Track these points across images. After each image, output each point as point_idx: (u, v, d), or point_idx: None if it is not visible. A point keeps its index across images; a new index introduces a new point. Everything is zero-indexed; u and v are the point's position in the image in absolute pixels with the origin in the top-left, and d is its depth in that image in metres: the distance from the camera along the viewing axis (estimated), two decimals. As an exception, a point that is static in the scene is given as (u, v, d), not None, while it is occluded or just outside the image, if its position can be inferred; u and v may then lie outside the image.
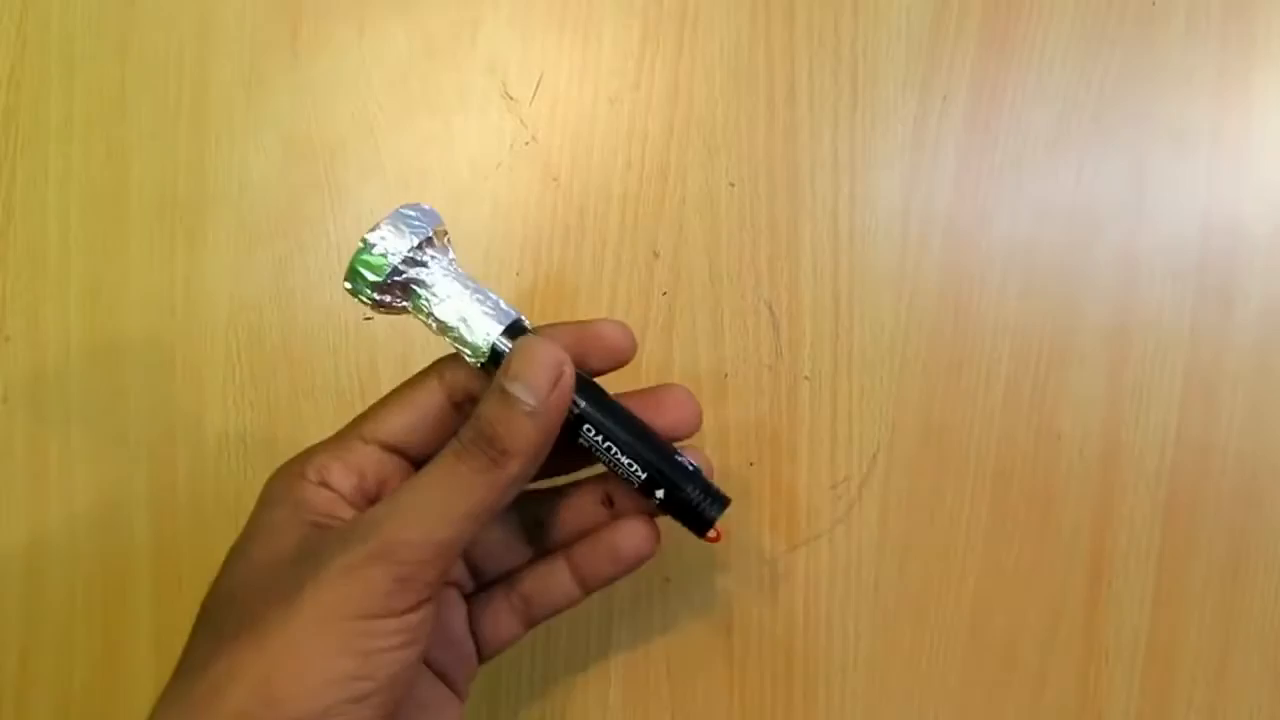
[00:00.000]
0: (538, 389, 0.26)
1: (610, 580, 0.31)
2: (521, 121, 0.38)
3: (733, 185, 0.38)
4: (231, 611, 0.26)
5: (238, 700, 0.24)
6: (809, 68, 0.37)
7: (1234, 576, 0.36)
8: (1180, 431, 0.36)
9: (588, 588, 0.31)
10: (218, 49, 0.39)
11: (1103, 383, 0.36)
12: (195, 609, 0.39)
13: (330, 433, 0.29)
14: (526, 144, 0.38)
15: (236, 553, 0.27)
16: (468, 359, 0.28)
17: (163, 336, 0.39)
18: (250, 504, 0.38)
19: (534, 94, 0.38)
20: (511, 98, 0.39)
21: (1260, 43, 0.36)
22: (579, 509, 0.31)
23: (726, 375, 0.38)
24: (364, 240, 0.27)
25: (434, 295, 0.28)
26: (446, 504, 0.26)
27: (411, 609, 0.25)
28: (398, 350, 0.39)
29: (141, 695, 0.39)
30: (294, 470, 0.28)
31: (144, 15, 0.39)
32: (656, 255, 0.38)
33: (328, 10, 0.39)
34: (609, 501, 0.31)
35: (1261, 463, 0.36)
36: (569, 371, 0.27)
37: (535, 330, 0.29)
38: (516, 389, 0.26)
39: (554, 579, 0.31)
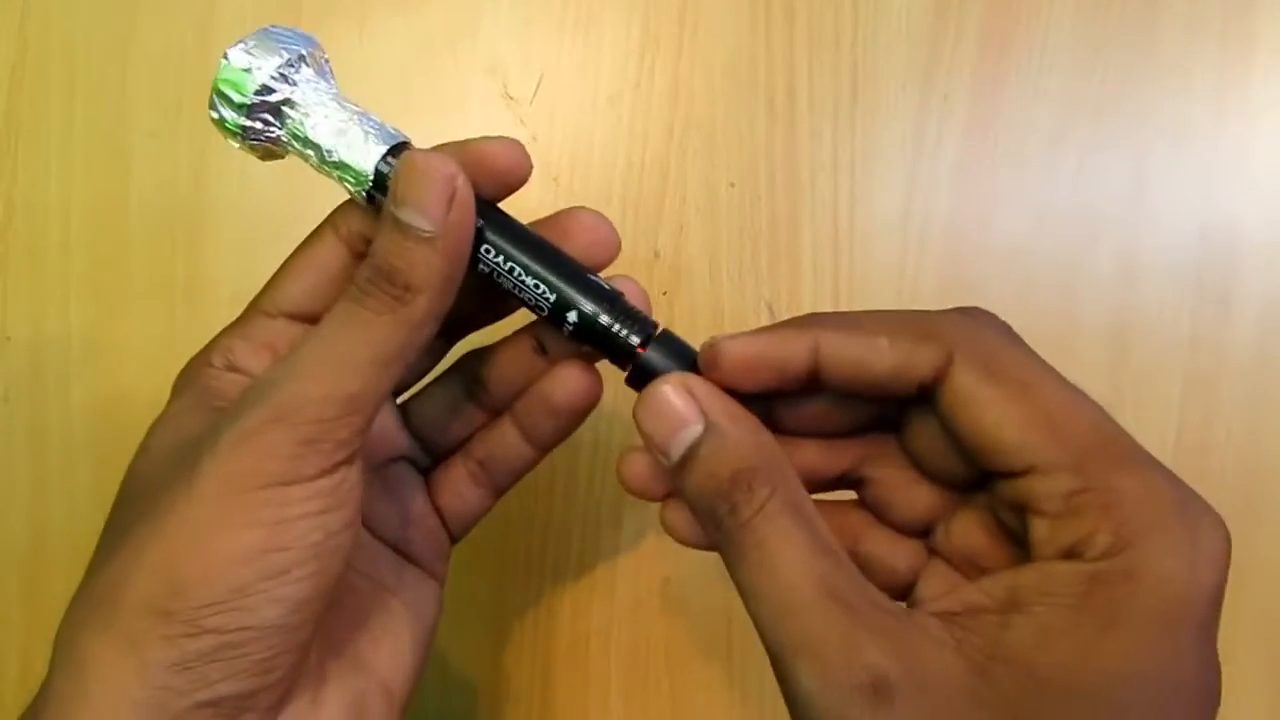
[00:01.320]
0: (431, 210, 0.23)
1: (558, 436, 0.28)
2: (521, 121, 0.38)
3: (733, 185, 0.38)
4: (133, 506, 0.23)
5: (141, 592, 0.21)
6: (809, 68, 0.37)
7: (1234, 576, 0.36)
8: (1180, 431, 0.36)
9: (539, 446, 0.28)
10: (218, 49, 0.39)
11: (1103, 383, 0.36)
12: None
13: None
14: (526, 144, 0.38)
15: (139, 450, 0.25)
16: (352, 191, 0.25)
17: (163, 336, 0.39)
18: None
19: (534, 94, 0.38)
20: (511, 98, 0.39)
21: (1260, 43, 0.36)
22: (512, 361, 0.28)
23: (726, 375, 0.38)
24: (225, 55, 0.24)
25: (307, 117, 0.25)
26: (349, 352, 0.23)
27: (325, 473, 0.22)
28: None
29: (141, 695, 0.39)
30: (200, 360, 0.26)
31: (144, 15, 0.39)
32: (656, 255, 0.38)
33: (328, 10, 0.39)
34: (541, 349, 0.28)
35: (1261, 463, 0.36)
36: (464, 185, 0.23)
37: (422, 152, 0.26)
38: (408, 215, 0.23)
39: (504, 440, 0.28)
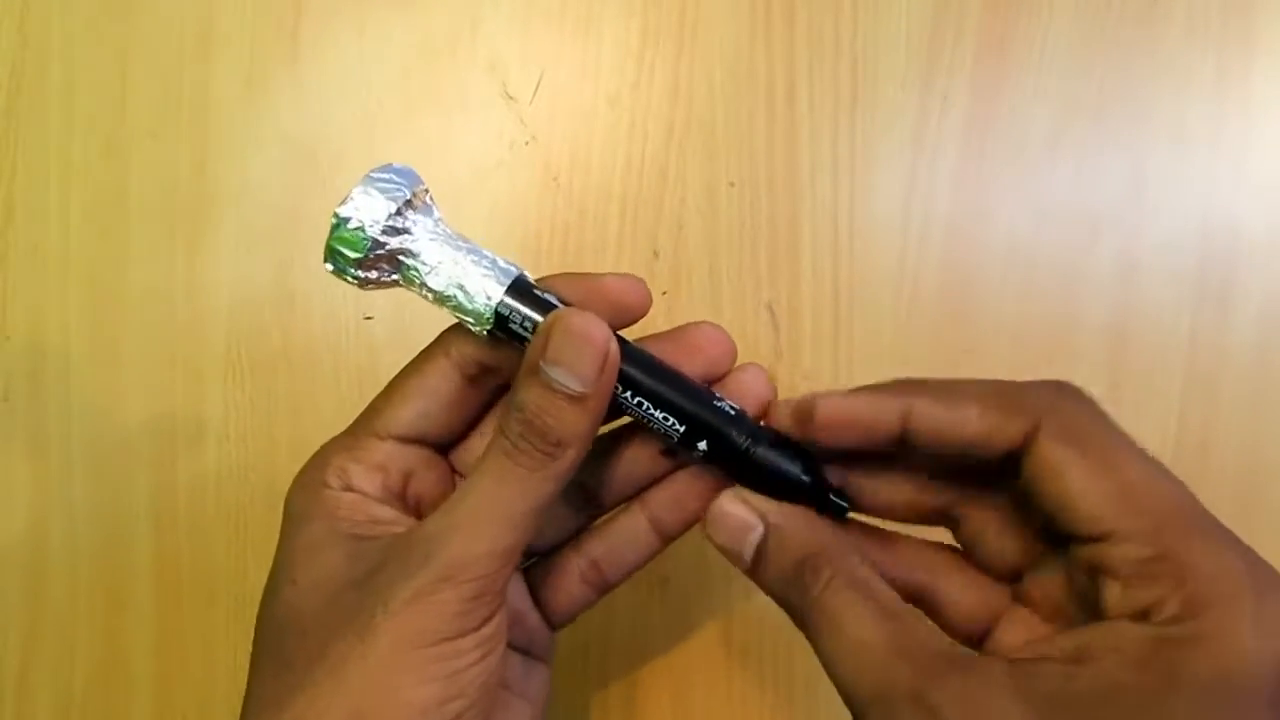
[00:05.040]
0: (587, 374, 0.24)
1: (696, 519, 0.29)
2: (521, 121, 0.38)
3: (733, 185, 0.38)
4: (292, 640, 0.25)
5: None
6: (809, 68, 0.37)
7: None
8: (1180, 431, 0.36)
9: (670, 536, 0.29)
10: (218, 49, 0.39)
11: (1103, 383, 0.36)
12: (196, 607, 0.39)
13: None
14: (526, 144, 0.38)
15: (281, 577, 0.26)
16: (472, 329, 0.26)
17: (163, 336, 0.39)
18: (250, 504, 0.39)
19: (534, 94, 0.38)
20: (511, 98, 0.39)
21: (1260, 43, 0.36)
22: (633, 462, 0.29)
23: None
24: (335, 215, 0.25)
25: (423, 264, 0.25)
26: (507, 508, 0.24)
27: (486, 621, 0.24)
28: (398, 350, 0.39)
29: (141, 696, 0.39)
30: (315, 480, 0.27)
31: (144, 15, 0.39)
32: (656, 255, 0.38)
33: (328, 10, 0.39)
34: (671, 452, 0.29)
35: (1261, 462, 0.36)
36: (615, 350, 0.24)
37: (539, 284, 0.26)
38: (562, 375, 0.24)
39: (631, 533, 0.29)
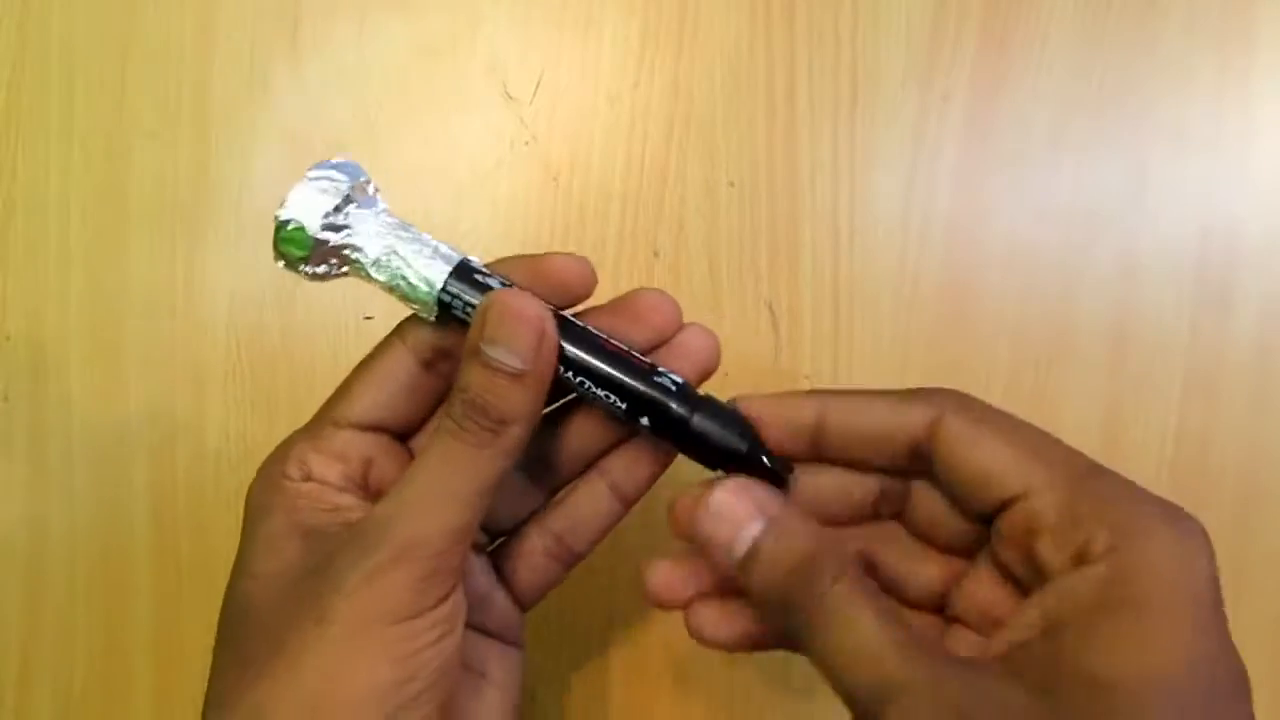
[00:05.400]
0: (524, 350, 0.24)
1: (653, 479, 0.29)
2: (521, 121, 0.38)
3: (732, 185, 0.38)
4: (251, 634, 0.25)
5: None
6: (809, 68, 0.37)
7: (1234, 575, 0.36)
8: (1180, 431, 0.36)
9: (630, 500, 0.29)
10: (218, 49, 0.39)
11: (1103, 383, 0.36)
12: (196, 607, 0.39)
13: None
14: (526, 144, 0.38)
15: (240, 570, 0.26)
16: (422, 315, 0.27)
17: (163, 336, 0.39)
18: (250, 504, 0.39)
19: (534, 94, 0.38)
20: (511, 98, 0.39)
21: (1260, 43, 0.36)
22: (586, 433, 0.29)
23: (726, 375, 0.37)
24: (276, 218, 0.26)
25: (365, 257, 0.26)
26: (454, 487, 0.25)
27: (441, 600, 0.24)
28: (398, 350, 0.39)
29: (141, 695, 0.39)
30: (275, 472, 0.27)
31: (144, 15, 0.39)
32: (656, 255, 0.38)
33: (328, 10, 0.39)
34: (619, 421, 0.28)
35: (1261, 461, 0.36)
36: (551, 328, 0.25)
37: (486, 268, 0.27)
38: (500, 353, 0.24)
39: (592, 501, 0.29)
